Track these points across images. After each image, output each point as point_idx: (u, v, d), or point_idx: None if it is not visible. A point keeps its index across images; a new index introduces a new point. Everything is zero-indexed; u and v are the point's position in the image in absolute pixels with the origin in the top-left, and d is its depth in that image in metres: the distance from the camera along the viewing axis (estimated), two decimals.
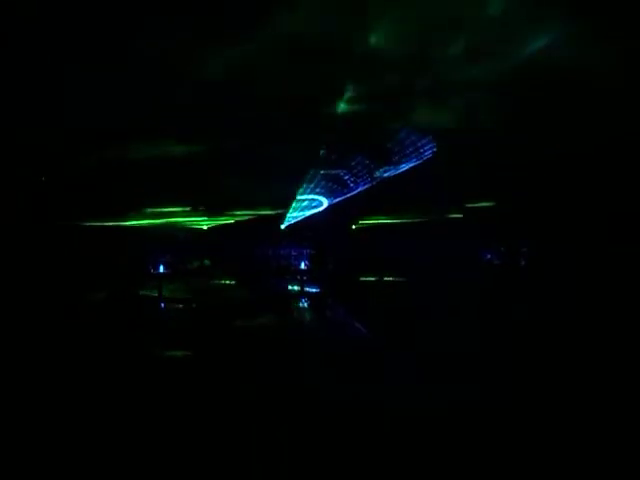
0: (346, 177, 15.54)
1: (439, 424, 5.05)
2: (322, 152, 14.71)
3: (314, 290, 15.84)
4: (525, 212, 14.73)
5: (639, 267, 12.79)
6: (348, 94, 12.92)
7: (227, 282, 16.72)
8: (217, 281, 16.45)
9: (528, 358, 7.52)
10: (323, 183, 15.91)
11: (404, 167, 14.67)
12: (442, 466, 4.28)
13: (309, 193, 16.00)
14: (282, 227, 16.91)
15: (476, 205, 15.13)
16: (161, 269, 15.89)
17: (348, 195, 15.76)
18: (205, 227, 16.88)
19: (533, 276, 14.99)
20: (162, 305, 14.19)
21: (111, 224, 14.97)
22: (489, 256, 17.06)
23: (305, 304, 14.89)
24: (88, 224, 14.49)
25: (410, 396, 5.90)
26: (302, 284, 15.94)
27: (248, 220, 16.69)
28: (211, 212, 15.90)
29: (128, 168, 12.81)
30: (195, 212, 15.61)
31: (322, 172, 15.60)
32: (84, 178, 13.18)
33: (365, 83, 12.65)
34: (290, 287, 16.20)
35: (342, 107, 13.24)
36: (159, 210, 15.08)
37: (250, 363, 7.67)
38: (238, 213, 16.26)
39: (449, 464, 4.30)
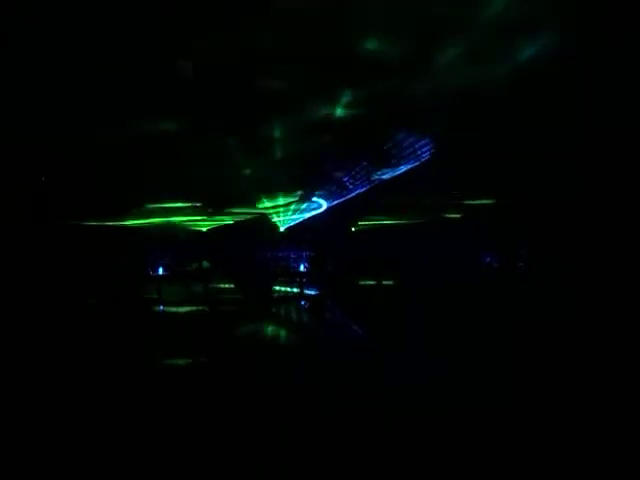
0: (345, 179, 15.58)
1: (438, 424, 5.04)
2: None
3: (313, 292, 15.84)
4: (524, 214, 14.75)
5: (638, 269, 12.82)
6: (347, 97, 12.98)
7: (226, 285, 16.71)
8: (216, 284, 16.43)
9: (527, 359, 7.52)
10: (322, 185, 15.97)
11: (403, 169, 14.72)
12: (442, 466, 4.27)
13: (308, 194, 16.06)
14: (282, 229, 16.94)
15: (475, 202, 15.16)
16: (160, 271, 15.88)
17: (347, 197, 15.80)
18: (204, 229, 16.90)
19: (532, 278, 15.01)
20: (161, 308, 14.17)
21: (110, 224, 14.95)
22: (488, 259, 17.09)
23: (304, 306, 14.90)
24: (87, 224, 14.46)
25: (409, 396, 5.90)
26: (301, 286, 15.95)
27: (247, 221, 16.71)
28: (210, 209, 15.86)
29: (127, 165, 12.82)
30: (194, 209, 15.59)
31: (321, 174, 15.65)
32: (83, 177, 13.18)
33: (363, 86, 12.70)
34: (289, 289, 16.20)
35: (340, 109, 13.30)
36: (159, 206, 15.06)
37: (249, 364, 7.67)
38: (236, 211, 16.27)
39: (449, 464, 4.29)
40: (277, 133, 13.62)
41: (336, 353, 8.31)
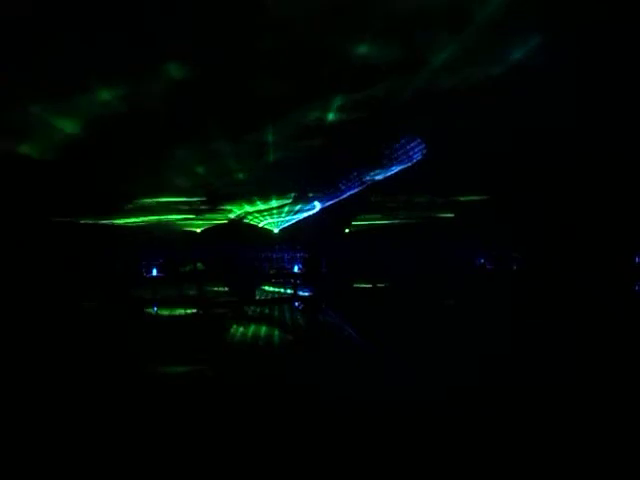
0: (338, 181, 15.65)
1: (435, 424, 5.05)
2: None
3: (307, 293, 15.83)
4: (519, 215, 14.82)
5: (633, 269, 12.87)
6: (341, 99, 13.06)
7: (221, 288, 16.68)
8: (210, 286, 16.39)
9: (524, 360, 7.53)
10: (316, 187, 16.02)
11: (395, 169, 14.80)
12: (440, 466, 4.27)
13: (302, 196, 16.11)
14: (276, 230, 16.99)
15: (468, 200, 15.24)
16: (154, 272, 15.86)
17: (341, 197, 15.87)
18: (198, 230, 16.91)
19: (526, 279, 15.07)
20: (155, 309, 14.10)
21: (105, 222, 14.91)
22: (482, 260, 17.16)
23: (299, 307, 14.86)
24: (82, 222, 14.41)
25: (406, 396, 5.91)
26: (295, 287, 15.95)
27: (242, 222, 16.74)
28: (204, 206, 15.85)
29: (125, 163, 12.83)
30: (189, 207, 15.60)
31: (315, 176, 15.72)
32: (80, 175, 13.15)
33: (359, 88, 12.77)
34: (283, 290, 16.20)
35: (336, 111, 13.38)
36: (154, 201, 15.04)
37: (247, 366, 7.65)
38: (231, 208, 16.29)
39: (446, 464, 4.30)
40: (271, 137, 13.68)
41: (332, 353, 8.30)
